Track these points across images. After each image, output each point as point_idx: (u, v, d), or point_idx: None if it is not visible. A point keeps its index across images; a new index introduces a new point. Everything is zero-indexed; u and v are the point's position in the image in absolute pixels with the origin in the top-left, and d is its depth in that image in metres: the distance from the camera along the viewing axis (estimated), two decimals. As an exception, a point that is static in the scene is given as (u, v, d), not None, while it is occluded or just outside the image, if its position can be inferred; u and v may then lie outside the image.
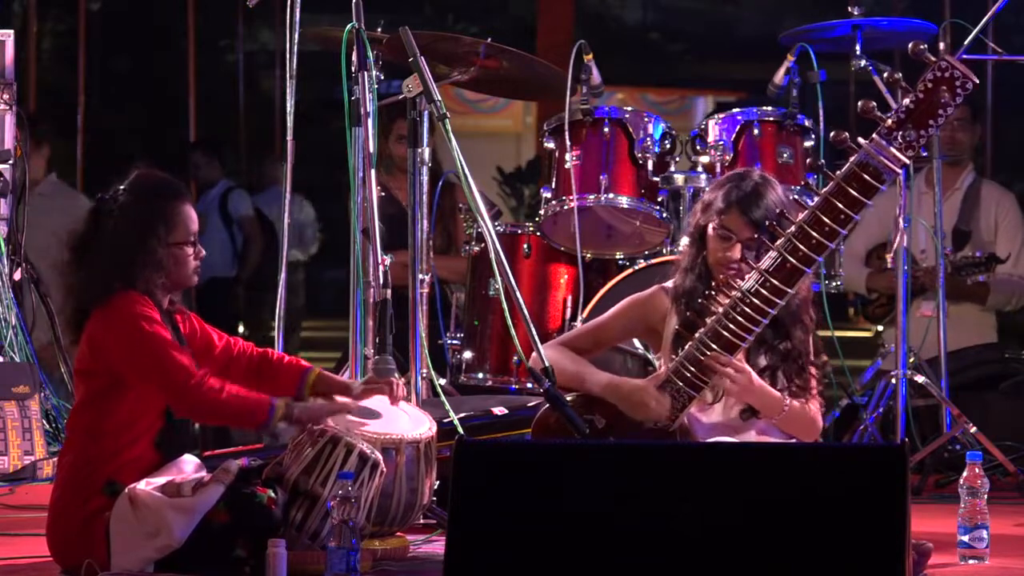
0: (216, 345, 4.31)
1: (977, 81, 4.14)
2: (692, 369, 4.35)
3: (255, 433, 5.60)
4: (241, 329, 12.15)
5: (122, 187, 4.18)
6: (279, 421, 4.14)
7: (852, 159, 4.19)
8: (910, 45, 4.15)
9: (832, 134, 4.23)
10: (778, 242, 4.27)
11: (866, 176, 4.17)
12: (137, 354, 4.06)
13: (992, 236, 6.94)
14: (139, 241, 4.11)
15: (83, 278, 4.12)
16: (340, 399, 4.31)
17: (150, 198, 4.16)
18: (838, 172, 4.20)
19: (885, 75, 4.22)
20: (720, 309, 4.32)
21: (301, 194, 11.87)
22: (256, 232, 10.58)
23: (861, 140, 4.19)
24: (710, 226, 4.46)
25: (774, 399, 4.41)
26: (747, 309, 4.29)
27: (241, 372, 4.28)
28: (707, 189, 4.64)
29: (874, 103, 4.21)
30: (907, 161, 4.17)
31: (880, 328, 7.04)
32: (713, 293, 4.35)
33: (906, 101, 4.14)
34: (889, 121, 4.15)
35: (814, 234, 4.22)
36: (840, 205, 4.19)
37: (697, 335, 4.35)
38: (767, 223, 4.36)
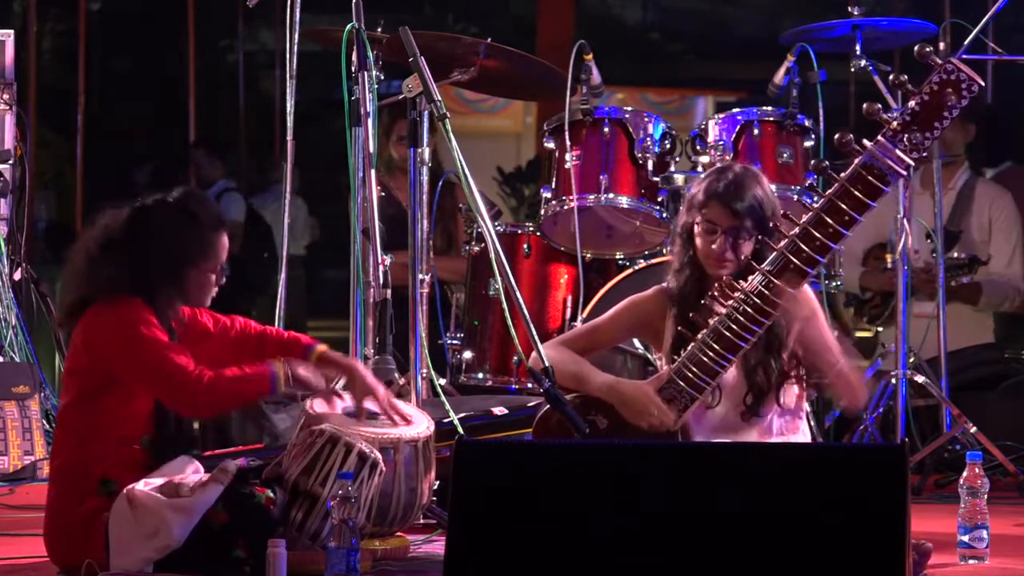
0: (211, 332, 4.30)
1: (983, 83, 4.13)
2: (695, 370, 4.34)
3: (256, 431, 5.61)
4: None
5: (165, 200, 4.18)
6: (284, 386, 4.14)
7: (857, 161, 4.17)
8: (916, 47, 4.14)
9: (837, 136, 4.22)
10: (781, 243, 4.26)
11: (871, 178, 4.16)
12: (135, 359, 4.06)
13: (986, 236, 6.93)
14: (171, 263, 4.12)
15: (103, 276, 4.11)
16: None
17: (191, 222, 4.15)
18: (843, 174, 4.18)
19: (891, 77, 4.21)
20: (722, 310, 4.31)
21: (296, 193, 11.94)
22: (237, 236, 10.63)
23: (866, 142, 4.17)
24: (695, 222, 4.47)
25: (831, 342, 4.43)
26: (749, 310, 4.29)
27: (243, 351, 4.28)
28: (689, 188, 4.64)
29: (879, 105, 4.19)
30: (912, 163, 4.16)
31: (879, 329, 7.03)
32: (715, 294, 4.35)
33: (912, 103, 4.12)
34: (894, 123, 4.14)
35: (818, 236, 4.21)
36: (844, 207, 4.18)
37: (699, 336, 4.34)
38: (758, 216, 4.37)
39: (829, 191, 4.21)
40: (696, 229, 4.47)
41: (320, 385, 4.23)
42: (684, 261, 4.51)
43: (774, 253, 4.28)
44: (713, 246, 4.42)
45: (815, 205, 4.24)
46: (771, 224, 4.39)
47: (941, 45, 6.11)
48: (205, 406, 4.13)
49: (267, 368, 4.13)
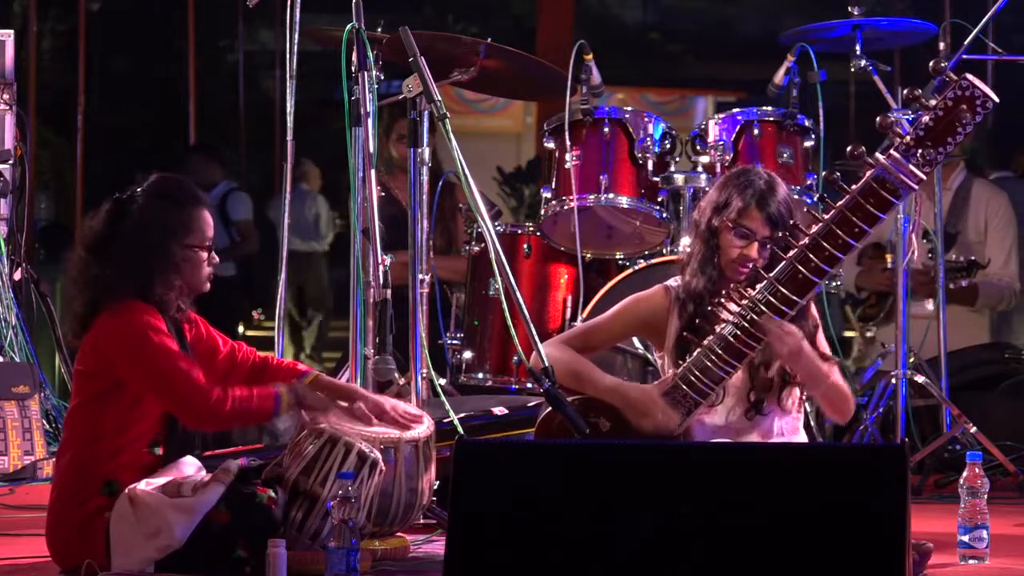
0: (220, 351, 4.32)
1: (997, 100, 4.10)
2: (699, 376, 4.33)
3: (256, 431, 5.61)
4: (241, 330, 12.16)
5: (140, 189, 4.20)
6: (287, 409, 4.16)
7: (869, 174, 4.15)
8: (931, 63, 4.13)
9: (849, 148, 4.19)
10: (791, 253, 4.24)
11: (883, 192, 4.14)
12: (145, 367, 4.07)
13: (981, 236, 6.92)
14: (158, 243, 4.13)
15: (100, 276, 4.12)
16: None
17: (169, 201, 4.18)
18: (854, 186, 4.17)
19: (905, 92, 4.19)
20: (729, 317, 4.30)
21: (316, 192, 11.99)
22: (251, 235, 10.63)
23: (879, 155, 4.16)
24: (725, 225, 4.44)
25: (820, 369, 4.35)
26: (757, 318, 4.28)
27: (243, 377, 4.30)
28: (711, 188, 4.61)
29: (892, 118, 4.18)
30: (924, 177, 4.14)
31: (873, 328, 7.03)
32: (722, 300, 4.34)
33: (925, 119, 4.09)
34: (908, 138, 4.11)
35: (827, 246, 4.20)
36: (855, 219, 4.16)
37: (705, 342, 4.33)
38: (781, 221, 4.36)
39: (840, 203, 4.18)
40: (726, 232, 4.44)
41: (322, 408, 4.23)
42: (705, 263, 4.47)
43: (783, 262, 4.26)
44: (747, 252, 4.40)
45: (825, 216, 4.21)
46: (782, 221, 4.38)
47: (941, 45, 6.11)
48: (212, 421, 4.15)
49: (273, 391, 4.16)
